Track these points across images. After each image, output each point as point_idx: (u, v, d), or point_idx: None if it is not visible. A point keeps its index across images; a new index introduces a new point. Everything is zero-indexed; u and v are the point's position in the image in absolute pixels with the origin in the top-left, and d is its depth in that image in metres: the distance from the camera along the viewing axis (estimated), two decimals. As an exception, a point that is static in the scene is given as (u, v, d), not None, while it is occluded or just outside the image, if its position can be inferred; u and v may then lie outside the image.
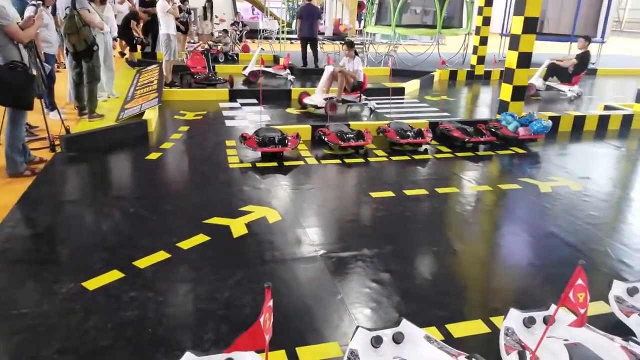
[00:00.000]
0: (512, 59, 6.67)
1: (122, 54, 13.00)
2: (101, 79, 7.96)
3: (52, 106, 6.85)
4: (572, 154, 6.34)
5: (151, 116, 6.65)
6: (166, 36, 9.19)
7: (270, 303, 1.42)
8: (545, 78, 9.97)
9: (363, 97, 8.21)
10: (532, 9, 6.39)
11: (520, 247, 3.84)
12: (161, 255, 3.44)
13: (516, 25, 6.54)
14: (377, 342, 2.31)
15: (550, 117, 6.83)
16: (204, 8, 13.73)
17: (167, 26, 9.15)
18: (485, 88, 11.01)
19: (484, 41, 11.38)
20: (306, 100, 8.02)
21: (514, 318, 2.50)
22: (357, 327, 2.41)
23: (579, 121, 7.20)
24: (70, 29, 6.38)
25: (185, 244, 3.60)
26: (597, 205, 4.57)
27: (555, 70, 9.86)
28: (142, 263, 3.34)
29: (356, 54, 8.21)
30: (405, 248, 3.66)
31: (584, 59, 9.64)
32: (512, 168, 5.71)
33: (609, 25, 15.11)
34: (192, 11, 13.79)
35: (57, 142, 5.58)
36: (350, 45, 8.10)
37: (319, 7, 12.94)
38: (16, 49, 4.63)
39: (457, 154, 5.93)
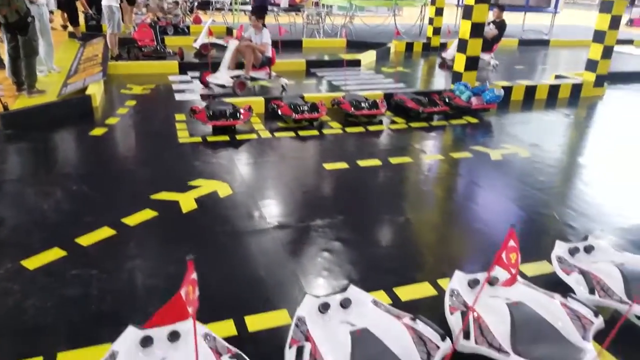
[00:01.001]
0: (465, 29, 6.69)
1: (65, 27, 12.36)
2: (39, 53, 7.57)
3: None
4: (523, 123, 6.47)
5: (95, 91, 6.34)
6: (108, 8, 8.75)
7: (194, 276, 1.36)
8: None
9: (273, 73, 7.50)
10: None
11: (470, 213, 3.90)
12: (106, 232, 3.31)
13: (469, -5, 6.55)
14: (324, 308, 2.30)
15: (503, 87, 6.92)
16: (155, -17, 13.14)
17: None
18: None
19: (439, 12, 11.39)
20: (210, 79, 7.22)
21: (458, 280, 2.53)
22: (305, 294, 2.39)
23: (531, 90, 7.34)
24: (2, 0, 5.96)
25: (131, 220, 3.47)
26: (545, 171, 4.68)
27: None
28: (86, 240, 3.21)
29: (264, 25, 7.46)
30: (357, 217, 3.65)
31: (501, 28, 9.66)
32: (465, 137, 5.78)
33: (560, -3, 15.39)
34: None
35: (-7, 120, 5.26)
36: (258, 15, 7.41)
37: None
38: None
39: (411, 124, 5.94)
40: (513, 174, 4.59)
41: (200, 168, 4.45)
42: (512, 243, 1.63)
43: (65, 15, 11.61)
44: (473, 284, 2.50)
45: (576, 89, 7.59)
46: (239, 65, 7.38)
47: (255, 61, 7.23)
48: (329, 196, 4.08)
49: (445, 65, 9.59)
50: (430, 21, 11.62)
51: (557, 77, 8.07)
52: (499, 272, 2.63)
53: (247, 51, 7.15)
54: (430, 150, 5.15)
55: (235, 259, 3.08)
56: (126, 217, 3.49)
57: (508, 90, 7.08)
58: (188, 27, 12.68)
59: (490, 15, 9.29)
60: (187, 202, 3.77)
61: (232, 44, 7.30)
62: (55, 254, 3.05)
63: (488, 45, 9.40)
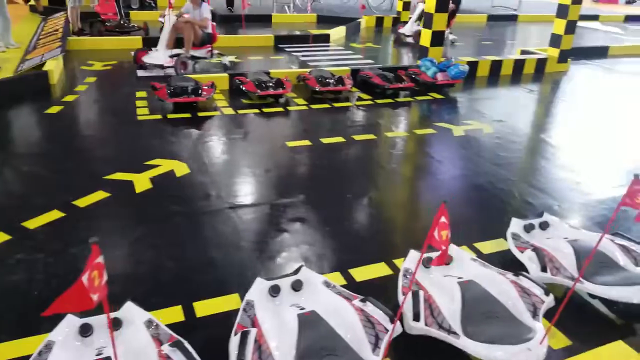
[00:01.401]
0: (430, 3, 6.61)
1: (27, 1, 11.81)
2: (-5, 27, 7.24)
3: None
4: (488, 98, 6.47)
5: (53, 67, 6.08)
6: None
7: (100, 259, 1.28)
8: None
9: (215, 51, 7.11)
10: (449, -49, 6.31)
11: (429, 190, 3.90)
12: (54, 215, 3.20)
13: (434, -32, 6.45)
14: (274, 291, 2.26)
15: (468, 62, 6.91)
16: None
17: None
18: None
19: (409, -14, 11.27)
20: (147, 59, 6.64)
21: (412, 259, 2.52)
22: (257, 277, 2.34)
23: (496, 66, 7.34)
24: None
25: (82, 202, 3.36)
26: (506, 147, 4.70)
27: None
28: (32, 224, 3.09)
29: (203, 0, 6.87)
30: (317, 196, 3.61)
31: (457, 2, 9.57)
32: (429, 113, 5.76)
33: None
34: None
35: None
36: None
37: None
38: None
39: (377, 101, 5.89)
40: (474, 150, 4.60)
41: (158, 147, 4.33)
42: (443, 219, 1.59)
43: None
44: (426, 262, 2.49)
45: (541, 64, 7.62)
46: (178, 44, 6.90)
47: (195, 39, 6.74)
48: (290, 175, 4.01)
49: (401, 41, 9.54)
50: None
51: (522, 52, 8.09)
52: (454, 250, 2.63)
53: (186, 28, 6.64)
54: (394, 127, 5.13)
55: (188, 241, 3.01)
56: (77, 200, 3.38)
57: (474, 65, 7.08)
58: (155, 1, 12.27)
59: None
60: (141, 182, 3.67)
61: (169, 21, 6.73)
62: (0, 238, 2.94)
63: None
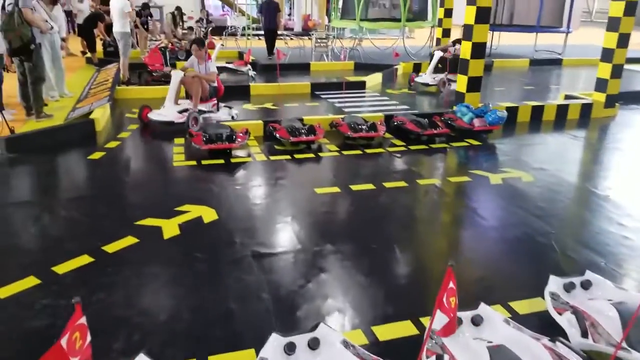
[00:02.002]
0: (466, 49, 6.58)
1: (84, 53, 12.62)
2: (51, 78, 7.72)
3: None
4: (528, 145, 6.28)
5: (100, 115, 6.38)
6: (121, 34, 8.94)
7: (83, 320, 1.24)
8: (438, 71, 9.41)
9: (221, 104, 6.96)
10: (484, -1, 6.33)
11: (461, 242, 3.74)
12: (84, 260, 3.25)
13: (469, 15, 6.45)
14: (290, 349, 2.17)
15: (507, 108, 6.77)
16: (173, 15, 13.45)
17: (123, 25, 8.95)
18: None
19: (446, 33, 11.34)
20: (153, 116, 6.38)
21: (439, 319, 2.38)
22: (272, 332, 2.26)
23: (538, 111, 7.14)
24: (8, 25, 6.08)
25: (111, 247, 3.41)
26: (547, 197, 4.49)
27: (441, 62, 9.26)
28: (62, 268, 3.15)
29: (207, 53, 6.81)
30: (342, 246, 3.52)
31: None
32: (465, 160, 5.62)
33: (574, 15, 15.19)
34: (152, 14, 13.53)
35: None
36: (201, 43, 6.74)
37: (278, 2, 13.47)
38: None
39: (410, 147, 5.82)
40: (512, 200, 4.41)
41: (189, 192, 4.40)
42: (451, 285, 1.48)
43: (84, 42, 11.90)
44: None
45: (586, 109, 7.37)
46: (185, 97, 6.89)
47: (203, 93, 6.60)
48: (316, 223, 3.94)
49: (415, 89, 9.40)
50: (438, 42, 11.56)
51: (566, 97, 7.87)
52: (485, 310, 2.47)
53: (194, 83, 6.51)
54: (427, 174, 5.01)
55: (208, 290, 2.97)
56: (107, 245, 3.43)
57: (514, 111, 6.92)
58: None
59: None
60: (170, 228, 3.70)
61: (176, 76, 6.64)
62: (29, 282, 3.00)
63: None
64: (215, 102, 6.91)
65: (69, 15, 13.25)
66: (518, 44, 16.15)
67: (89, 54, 11.76)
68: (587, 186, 4.86)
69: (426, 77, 9.31)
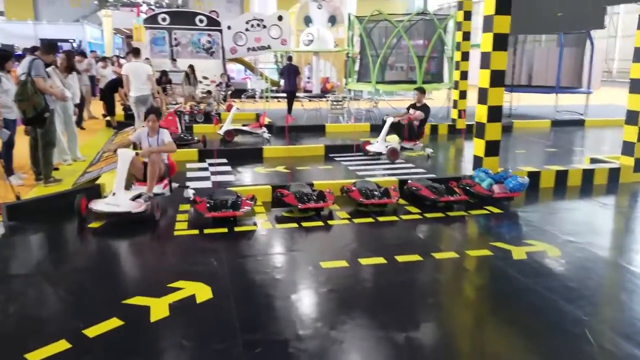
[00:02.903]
0: (482, 113, 6.36)
1: (105, 116, 12.88)
2: (64, 143, 7.75)
3: (9, 171, 6.53)
4: (553, 214, 5.87)
5: (107, 180, 6.26)
6: (145, 97, 9.23)
7: None
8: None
9: (174, 184, 5.80)
10: (498, 62, 6.16)
11: (478, 332, 3.32)
12: (60, 346, 2.97)
13: (483, 78, 6.29)
14: None
15: (529, 173, 6.44)
16: (186, 74, 13.79)
17: (148, 88, 9.41)
18: (468, 143, 10.71)
19: (463, 95, 11.24)
20: (99, 207, 5.02)
21: None
22: None
23: (562, 176, 6.77)
24: (22, 95, 6.10)
25: (92, 331, 3.12)
26: (578, 275, 4.06)
27: (396, 128, 8.69)
28: (36, 356, 2.87)
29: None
30: (344, 332, 3.15)
31: (426, 111, 8.70)
32: (485, 231, 5.25)
33: (594, 75, 15.06)
34: (172, 80, 13.91)
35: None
36: (158, 114, 5.80)
37: (298, 66, 14.05)
38: None
39: (426, 215, 5.49)
40: (537, 278, 3.96)
41: (185, 267, 4.12)
42: None
43: (105, 105, 12.16)
44: None
45: (614, 174, 6.96)
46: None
47: (159, 172, 5.51)
48: (318, 302, 3.59)
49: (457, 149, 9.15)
50: (455, 104, 11.45)
51: (592, 160, 7.51)
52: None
53: (156, 160, 5.39)
54: (443, 246, 4.65)
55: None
56: (89, 328, 3.14)
57: (536, 176, 6.57)
58: (219, 115, 12.97)
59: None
60: (159, 308, 3.40)
61: (126, 156, 5.28)
62: (-6, 375, 2.71)
63: (415, 133, 8.61)
64: (168, 182, 5.75)
65: (92, 80, 13.65)
66: (538, 105, 15.99)
67: (108, 117, 11.98)
68: (620, 262, 4.38)
69: (378, 145, 8.51)
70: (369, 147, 8.65)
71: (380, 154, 8.43)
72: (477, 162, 6.56)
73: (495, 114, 6.36)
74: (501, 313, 3.51)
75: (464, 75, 11.33)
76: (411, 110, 8.68)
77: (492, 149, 6.45)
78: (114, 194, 5.20)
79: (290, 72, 13.13)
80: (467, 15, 11.13)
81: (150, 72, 9.55)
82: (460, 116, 11.20)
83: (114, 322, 3.22)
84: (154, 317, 3.29)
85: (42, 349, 2.92)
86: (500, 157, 6.69)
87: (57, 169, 7.14)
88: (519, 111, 14.95)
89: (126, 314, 3.33)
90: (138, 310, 3.38)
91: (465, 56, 11.25)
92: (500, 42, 6.20)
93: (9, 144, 6.60)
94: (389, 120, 8.52)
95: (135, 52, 10.14)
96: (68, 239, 4.99)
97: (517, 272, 4.08)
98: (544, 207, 6.09)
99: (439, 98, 17.31)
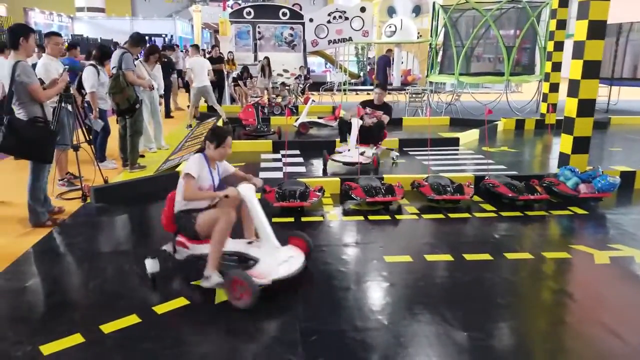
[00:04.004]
0: (571, 106, 5.92)
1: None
2: (150, 131, 8.24)
3: (102, 157, 7.08)
4: (647, 217, 5.35)
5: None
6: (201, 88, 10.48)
7: None
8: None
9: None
10: (592, 52, 5.68)
11: (543, 336, 3.09)
12: (131, 320, 3.15)
13: (575, 69, 5.83)
14: None
15: (623, 172, 5.91)
16: (262, 66, 14.11)
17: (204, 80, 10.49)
18: (557, 139, 10.03)
19: (554, 88, 10.52)
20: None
21: None
22: None
23: (660, 177, 6.15)
24: (115, 88, 6.56)
25: (160, 308, 3.29)
26: (667, 283, 3.68)
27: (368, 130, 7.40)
28: (108, 327, 3.07)
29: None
30: (403, 327, 3.07)
31: (390, 113, 7.54)
32: (566, 232, 4.89)
33: None
34: (252, 75, 14.29)
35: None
36: (218, 138, 3.70)
37: (389, 57, 15.05)
38: (39, 106, 4.68)
39: (502, 213, 5.21)
40: (621, 287, 3.65)
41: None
42: None
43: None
44: None
45: None
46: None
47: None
48: (379, 297, 3.50)
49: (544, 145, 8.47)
50: (544, 97, 10.76)
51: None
52: None
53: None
54: (518, 247, 4.38)
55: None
56: (158, 305, 3.32)
57: (630, 176, 6.01)
58: (296, 107, 13.17)
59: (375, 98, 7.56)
60: (222, 292, 3.49)
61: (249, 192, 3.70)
62: (74, 340, 2.93)
63: (380, 135, 7.47)
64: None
65: (180, 73, 14.38)
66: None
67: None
68: None
69: (351, 153, 6.95)
70: (337, 157, 7.01)
71: (354, 164, 6.57)
72: (563, 159, 6.12)
73: (586, 108, 5.89)
74: (570, 321, 3.25)
75: (557, 67, 10.60)
76: (368, 110, 7.49)
77: (581, 145, 5.99)
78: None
79: (380, 64, 13.59)
80: (564, 2, 10.32)
81: (210, 67, 10.78)
82: (549, 110, 10.52)
83: (181, 301, 3.37)
84: (219, 299, 3.40)
85: (115, 321, 3.11)
86: (592, 156, 6.21)
87: (142, 156, 7.62)
88: (619, 106, 13.78)
89: (193, 294, 3.47)
90: (203, 291, 3.50)
91: (559, 46, 10.50)
92: (597, 30, 5.72)
93: (106, 132, 7.13)
94: (356, 122, 7.15)
95: (196, 48, 11.18)
96: (147, 221, 5.29)
97: (598, 277, 3.77)
98: (636, 210, 5.55)
99: (528, 91, 16.41)
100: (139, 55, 7.69)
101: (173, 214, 3.75)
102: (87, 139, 5.88)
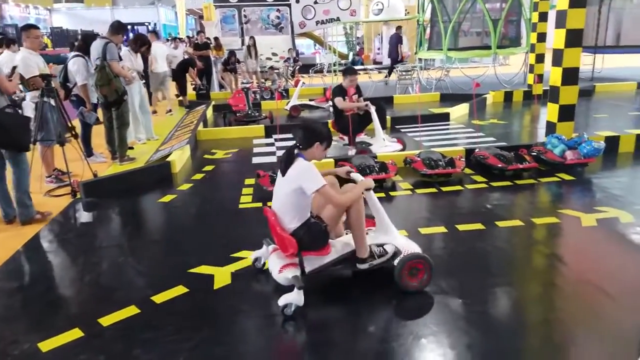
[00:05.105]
0: (556, 76, 5.96)
1: (177, 96, 13.45)
2: (140, 122, 8.17)
3: (89, 152, 7.02)
4: (630, 179, 5.43)
5: (177, 157, 6.56)
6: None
7: None
8: None
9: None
10: (574, 21, 5.70)
11: (538, 299, 3.18)
12: (130, 311, 3.18)
13: (559, 39, 5.86)
14: None
15: (607, 138, 5.98)
16: (248, 47, 13.98)
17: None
18: (544, 108, 10.09)
19: (540, 58, 10.55)
20: None
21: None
22: None
23: (645, 139, 6.23)
24: (102, 80, 6.38)
25: (159, 298, 3.33)
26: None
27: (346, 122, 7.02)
28: (107, 320, 3.09)
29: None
30: (400, 301, 3.15)
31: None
32: (555, 198, 4.97)
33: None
34: (240, 60, 14.19)
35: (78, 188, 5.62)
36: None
37: (399, 34, 15.14)
38: (4, 97, 4.58)
39: (492, 184, 5.28)
40: (607, 246, 3.76)
41: (248, 237, 4.25)
42: None
43: (177, 85, 12.69)
44: None
45: None
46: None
47: None
48: (375, 270, 3.58)
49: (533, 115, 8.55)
50: (531, 69, 10.78)
51: (684, 122, 6.83)
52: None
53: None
54: (508, 215, 4.45)
55: (249, 351, 2.75)
56: (156, 295, 3.36)
57: (615, 140, 6.09)
58: (287, 91, 13.12)
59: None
60: (222, 277, 3.56)
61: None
62: (73, 335, 2.96)
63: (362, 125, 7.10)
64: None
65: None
66: (627, 67, 14.70)
67: (180, 97, 12.48)
68: None
69: (385, 142, 6.87)
70: (381, 150, 6.60)
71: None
72: (550, 128, 6.19)
73: (570, 76, 5.94)
74: (558, 281, 3.35)
75: (542, 38, 10.62)
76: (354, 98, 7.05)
77: (567, 113, 6.04)
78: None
79: (390, 41, 14.02)
80: (546, -27, 10.34)
81: (169, 53, 11.42)
82: (535, 81, 10.55)
83: (180, 290, 3.41)
84: (217, 284, 3.46)
85: (113, 314, 3.14)
86: (578, 123, 6.27)
87: (132, 147, 7.55)
88: (604, 74, 13.83)
89: (191, 282, 3.51)
90: (203, 278, 3.55)
91: (544, 17, 10.51)
92: (577, -2, 5.74)
93: (87, 125, 7.01)
94: (372, 108, 6.87)
95: (154, 34, 12.04)
96: (139, 213, 5.31)
97: (585, 239, 3.89)
98: (621, 173, 5.65)
99: (515, 63, 16.40)
100: (123, 44, 7.59)
101: (290, 233, 3.17)
102: (73, 133, 5.82)
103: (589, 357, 2.53)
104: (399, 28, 15.21)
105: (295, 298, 2.98)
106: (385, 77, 14.88)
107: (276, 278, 3.19)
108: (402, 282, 3.17)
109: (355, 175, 3.59)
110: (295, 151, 3.18)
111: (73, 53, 6.97)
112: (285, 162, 3.17)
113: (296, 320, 2.98)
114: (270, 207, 3.40)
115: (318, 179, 3.05)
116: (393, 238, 3.43)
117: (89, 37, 7.15)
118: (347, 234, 3.51)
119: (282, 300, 2.99)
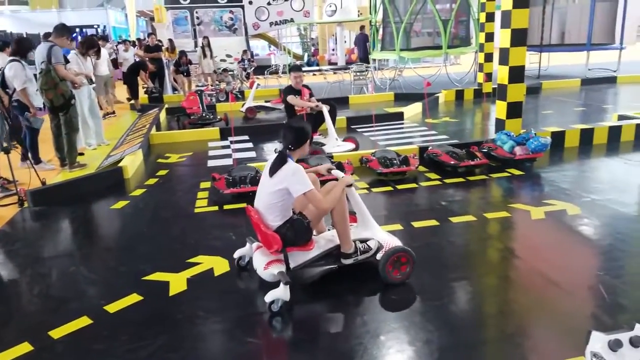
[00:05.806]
0: (503, 74, 6.16)
1: (129, 99, 13.11)
2: (90, 127, 7.91)
3: (36, 159, 6.74)
4: (576, 173, 5.70)
5: (128, 162, 6.38)
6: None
7: None
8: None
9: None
10: (519, 21, 5.91)
11: (487, 295, 3.27)
12: (82, 322, 3.07)
13: (504, 38, 6.07)
14: (616, 345, 2.00)
15: (553, 133, 6.24)
16: (202, 47, 13.78)
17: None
18: (494, 106, 10.42)
19: (488, 57, 10.90)
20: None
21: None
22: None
23: (587, 135, 6.53)
24: (47, 84, 6.15)
25: (112, 307, 3.23)
26: (596, 233, 3.97)
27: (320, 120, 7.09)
28: (58, 332, 2.98)
29: None
30: (355, 295, 3.17)
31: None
32: (505, 193, 5.14)
33: (628, 31, 14.33)
34: (192, 61, 13.95)
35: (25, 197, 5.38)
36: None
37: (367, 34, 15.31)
38: None
39: (446, 180, 5.41)
40: (554, 237, 3.92)
41: (204, 242, 4.20)
42: None
43: (129, 89, 12.34)
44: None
45: (642, 129, 6.67)
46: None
47: None
48: (336, 272, 3.61)
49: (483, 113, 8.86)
50: (481, 67, 11.13)
51: (620, 117, 7.20)
52: None
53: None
54: (460, 210, 4.57)
55: (207, 357, 2.70)
56: (110, 304, 3.26)
57: (560, 135, 6.36)
58: (242, 93, 13.01)
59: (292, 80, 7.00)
60: (177, 283, 3.49)
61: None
62: (21, 349, 2.83)
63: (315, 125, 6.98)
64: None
65: (115, 64, 13.84)
66: (570, 64, 15.38)
67: (132, 101, 12.18)
68: (646, 217, 4.26)
69: (337, 142, 6.89)
70: (334, 151, 6.56)
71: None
72: (500, 125, 6.40)
73: (516, 74, 6.16)
74: (509, 270, 3.48)
75: (490, 37, 10.98)
76: (307, 97, 7.05)
77: (514, 110, 6.26)
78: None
79: (359, 41, 14.18)
80: (491, -26, 10.69)
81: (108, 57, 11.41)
82: (485, 79, 10.89)
83: (134, 298, 3.32)
84: (173, 291, 3.38)
85: (64, 325, 3.03)
86: (526, 119, 6.50)
87: (82, 154, 7.32)
88: (550, 72, 14.42)
89: (146, 289, 3.43)
90: (157, 285, 3.47)
91: (490, 17, 10.87)
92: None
93: (34, 131, 6.74)
94: (325, 109, 6.91)
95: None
96: (91, 221, 5.13)
97: (533, 231, 4.04)
98: (567, 166, 5.91)
99: (466, 63, 16.87)
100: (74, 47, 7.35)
101: (273, 230, 3.17)
102: (16, 140, 5.58)
103: (541, 347, 2.62)
104: (362, 28, 15.44)
105: (281, 294, 3.00)
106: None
107: (261, 275, 3.21)
108: (386, 274, 3.25)
109: (336, 172, 3.70)
110: (287, 152, 3.21)
111: (9, 58, 6.68)
112: (277, 164, 3.17)
113: (281, 317, 2.95)
114: (252, 206, 3.38)
115: (306, 182, 3.08)
116: (375, 233, 3.54)
117: (23, 41, 6.89)
118: (329, 230, 3.57)
119: (269, 297, 3.00)
